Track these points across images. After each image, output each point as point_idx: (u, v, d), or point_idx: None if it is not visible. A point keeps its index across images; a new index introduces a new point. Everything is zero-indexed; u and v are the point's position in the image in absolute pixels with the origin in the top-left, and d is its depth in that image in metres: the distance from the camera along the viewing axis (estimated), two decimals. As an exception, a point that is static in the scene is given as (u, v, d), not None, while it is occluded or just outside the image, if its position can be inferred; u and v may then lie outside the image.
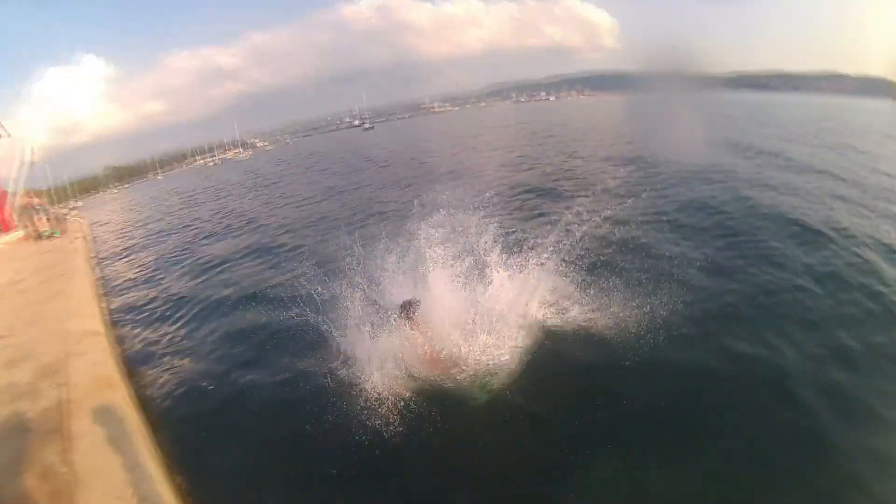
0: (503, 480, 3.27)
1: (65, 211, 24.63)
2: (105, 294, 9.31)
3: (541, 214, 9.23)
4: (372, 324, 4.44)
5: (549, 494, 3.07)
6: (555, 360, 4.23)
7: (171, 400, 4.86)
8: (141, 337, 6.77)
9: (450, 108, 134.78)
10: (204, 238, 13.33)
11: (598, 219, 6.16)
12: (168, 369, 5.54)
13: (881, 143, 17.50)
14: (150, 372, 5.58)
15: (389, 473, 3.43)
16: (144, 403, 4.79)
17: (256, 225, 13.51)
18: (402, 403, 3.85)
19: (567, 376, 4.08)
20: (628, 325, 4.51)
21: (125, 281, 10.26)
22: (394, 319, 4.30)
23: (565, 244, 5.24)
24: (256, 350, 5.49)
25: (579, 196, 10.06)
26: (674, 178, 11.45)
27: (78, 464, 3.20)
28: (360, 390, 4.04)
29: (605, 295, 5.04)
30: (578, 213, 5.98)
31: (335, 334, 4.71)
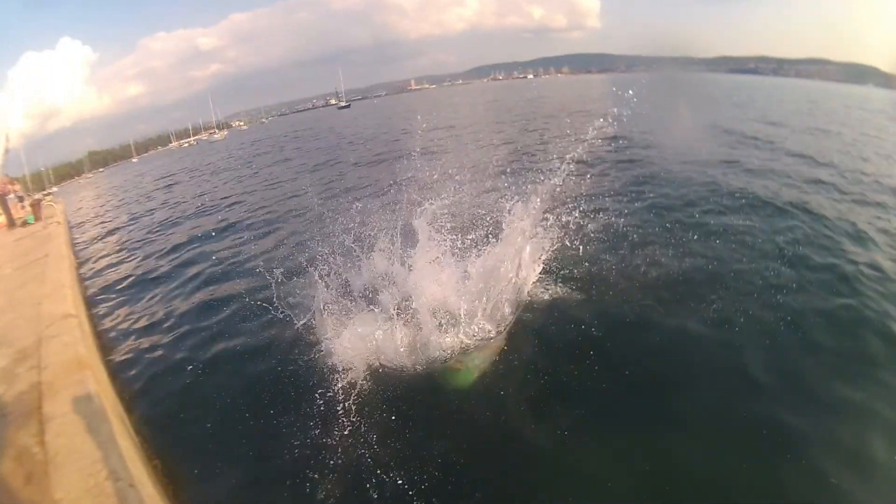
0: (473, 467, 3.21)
1: (39, 196, 24.36)
2: (80, 277, 9.46)
3: (494, 189, 8.78)
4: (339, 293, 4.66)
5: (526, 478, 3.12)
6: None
7: (144, 378, 4.92)
8: (115, 316, 6.87)
9: (427, 87, 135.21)
10: (177, 218, 13.57)
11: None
12: (141, 348, 5.62)
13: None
14: (124, 350, 5.65)
15: (363, 436, 3.42)
16: (118, 381, 4.87)
17: (229, 203, 13.84)
18: (376, 373, 3.93)
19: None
20: (585, 301, 4.71)
21: (100, 263, 10.38)
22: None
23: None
24: (227, 324, 5.65)
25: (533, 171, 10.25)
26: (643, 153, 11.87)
27: (50, 444, 3.21)
28: (332, 360, 4.07)
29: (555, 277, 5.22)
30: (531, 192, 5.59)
31: (304, 305, 4.84)
